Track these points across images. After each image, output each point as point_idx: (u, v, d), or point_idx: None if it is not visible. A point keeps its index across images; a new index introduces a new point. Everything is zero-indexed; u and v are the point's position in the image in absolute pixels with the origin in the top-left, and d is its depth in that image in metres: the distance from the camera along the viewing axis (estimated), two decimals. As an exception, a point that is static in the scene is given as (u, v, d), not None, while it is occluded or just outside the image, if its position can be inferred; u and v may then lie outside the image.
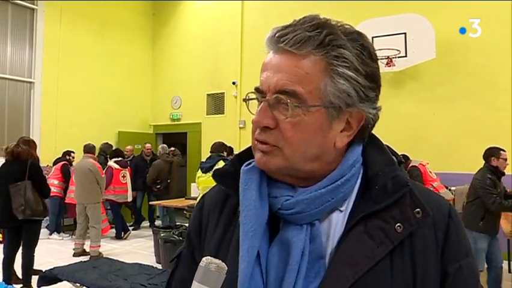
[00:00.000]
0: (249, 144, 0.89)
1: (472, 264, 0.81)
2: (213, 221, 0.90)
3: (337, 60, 0.75)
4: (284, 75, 0.76)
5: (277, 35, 0.77)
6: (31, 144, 5.26)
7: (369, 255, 0.73)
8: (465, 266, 0.79)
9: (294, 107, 0.75)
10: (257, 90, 0.81)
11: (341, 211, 0.80)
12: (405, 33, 7.16)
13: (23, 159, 5.00)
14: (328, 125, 0.77)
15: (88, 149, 7.23)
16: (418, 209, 0.76)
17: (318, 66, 0.75)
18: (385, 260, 0.74)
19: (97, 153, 9.45)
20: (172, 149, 9.37)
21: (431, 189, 6.66)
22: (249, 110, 0.84)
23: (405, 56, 7.17)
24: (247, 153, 0.90)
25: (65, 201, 8.16)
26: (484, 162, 5.09)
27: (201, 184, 5.64)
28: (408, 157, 6.74)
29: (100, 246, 7.00)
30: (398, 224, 0.75)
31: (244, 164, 0.87)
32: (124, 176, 8.59)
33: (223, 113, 10.16)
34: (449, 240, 0.78)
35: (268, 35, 0.80)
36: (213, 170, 5.47)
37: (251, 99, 0.84)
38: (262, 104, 0.79)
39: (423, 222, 0.76)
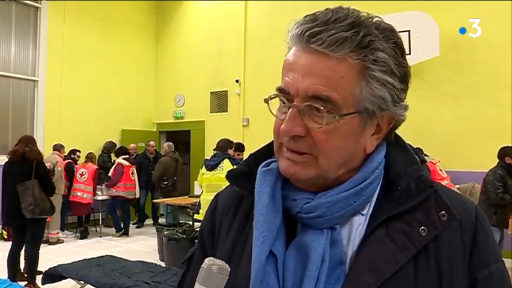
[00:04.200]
0: (264, 144, 0.87)
1: (502, 270, 0.77)
2: (226, 222, 0.88)
3: (375, 65, 0.70)
4: (317, 79, 0.70)
5: (307, 33, 0.70)
6: (34, 142, 5.28)
7: (392, 260, 0.70)
8: (495, 271, 0.75)
9: (329, 116, 0.70)
10: (281, 91, 0.74)
11: (363, 214, 0.76)
12: (409, 31, 7.12)
13: (30, 158, 5.02)
14: (360, 130, 0.74)
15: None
16: (444, 212, 0.72)
17: (354, 70, 0.70)
18: (408, 265, 0.70)
19: (100, 152, 9.52)
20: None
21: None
22: (271, 111, 0.78)
23: (409, 54, 7.13)
24: (264, 154, 0.87)
25: (70, 199, 8.19)
26: (498, 160, 5.42)
27: (205, 181, 5.64)
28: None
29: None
30: (422, 227, 0.71)
31: (262, 165, 0.83)
32: (132, 173, 8.70)
33: (226, 111, 10.15)
34: (477, 244, 0.74)
35: (293, 31, 0.73)
36: (218, 168, 5.49)
37: (273, 98, 0.78)
38: (291, 110, 0.72)
39: (449, 225, 0.72)
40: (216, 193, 0.98)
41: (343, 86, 0.70)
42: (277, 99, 0.77)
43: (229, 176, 0.88)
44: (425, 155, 6.73)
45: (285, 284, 0.73)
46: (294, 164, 0.74)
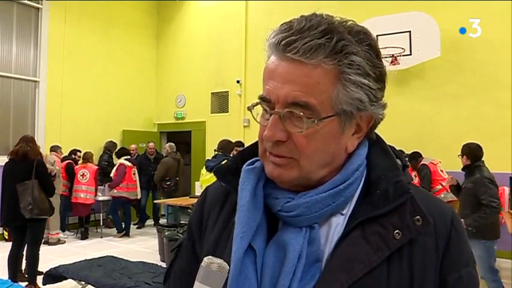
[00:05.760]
0: (253, 141, 0.89)
1: (472, 274, 0.79)
2: (213, 215, 0.90)
3: (350, 68, 0.73)
4: (295, 86, 0.73)
5: (283, 42, 0.73)
6: (35, 142, 5.28)
7: (365, 261, 0.72)
8: (465, 275, 0.78)
9: (308, 121, 0.73)
10: (263, 99, 0.78)
11: (342, 214, 0.79)
12: (410, 32, 7.14)
13: (31, 158, 5.02)
14: (340, 132, 0.77)
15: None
16: (418, 217, 0.75)
17: (329, 74, 0.73)
18: (382, 266, 0.73)
19: (101, 152, 9.53)
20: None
21: (440, 187, 6.46)
22: (254, 118, 0.82)
23: (410, 54, 7.14)
24: (251, 152, 0.89)
25: (72, 200, 8.20)
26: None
27: (204, 183, 5.63)
28: (420, 154, 6.74)
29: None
30: (397, 231, 0.74)
31: (247, 163, 0.86)
32: (134, 174, 8.74)
33: (227, 112, 10.16)
34: (450, 249, 0.77)
35: (270, 39, 0.76)
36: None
37: (255, 105, 0.81)
38: (272, 117, 0.75)
39: (424, 230, 0.75)
40: None
41: (320, 91, 0.73)
42: (260, 106, 0.80)
43: (217, 171, 0.91)
44: (419, 155, 6.72)
45: (263, 277, 0.76)
46: (278, 167, 0.78)
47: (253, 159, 0.87)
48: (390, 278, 0.73)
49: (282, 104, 0.74)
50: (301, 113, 0.73)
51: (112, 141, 9.66)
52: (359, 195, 0.80)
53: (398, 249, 0.74)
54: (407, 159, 5.71)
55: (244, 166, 0.86)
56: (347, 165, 0.80)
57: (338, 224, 0.78)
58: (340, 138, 0.77)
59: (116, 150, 9.33)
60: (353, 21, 0.77)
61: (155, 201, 9.02)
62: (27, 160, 5.00)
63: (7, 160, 5.20)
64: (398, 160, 0.84)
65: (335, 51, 0.72)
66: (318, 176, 0.78)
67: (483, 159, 4.90)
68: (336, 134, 0.76)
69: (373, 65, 0.76)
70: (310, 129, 0.74)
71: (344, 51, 0.72)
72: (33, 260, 5.10)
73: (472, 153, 4.89)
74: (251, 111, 0.82)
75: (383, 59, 0.81)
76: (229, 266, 0.76)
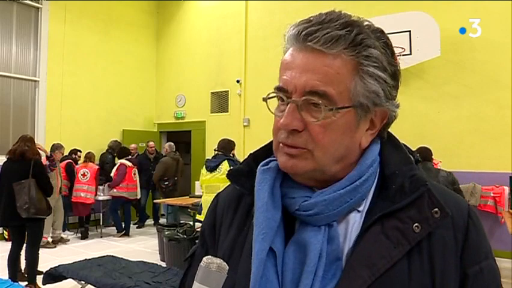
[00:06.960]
0: (263, 144, 0.89)
1: (493, 267, 0.79)
2: (226, 220, 0.90)
3: (368, 60, 0.74)
4: (314, 75, 0.73)
5: (303, 32, 0.74)
6: (33, 142, 5.27)
7: (386, 256, 0.72)
8: (486, 268, 0.77)
9: (326, 109, 0.73)
10: (279, 89, 0.78)
11: (359, 211, 0.79)
12: (409, 31, 7.13)
13: (28, 158, 5.02)
14: (356, 125, 0.77)
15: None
16: (436, 209, 0.75)
17: (348, 66, 0.74)
18: (402, 260, 0.73)
19: (101, 151, 9.52)
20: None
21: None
22: (269, 109, 0.82)
23: (410, 54, 7.14)
24: (263, 153, 0.89)
25: (72, 200, 8.19)
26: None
27: (205, 183, 5.60)
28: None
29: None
30: (416, 224, 0.74)
31: (262, 163, 0.86)
32: (135, 174, 8.76)
33: (227, 111, 10.16)
34: (469, 242, 0.77)
35: (290, 32, 0.77)
36: (218, 170, 5.46)
37: (271, 97, 0.81)
38: (289, 105, 0.76)
39: (442, 222, 0.75)
40: (215, 194, 1.00)
41: (338, 82, 0.74)
42: (276, 99, 0.81)
43: (230, 174, 0.91)
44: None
45: (284, 279, 0.76)
46: (291, 158, 0.77)
47: (268, 159, 0.86)
48: (412, 272, 0.72)
49: (299, 93, 0.75)
50: (320, 101, 0.73)
51: (117, 140, 9.67)
52: (374, 191, 0.80)
53: (418, 243, 0.74)
54: (418, 155, 5.82)
55: (259, 167, 0.85)
56: (361, 161, 0.80)
57: (356, 221, 0.78)
58: (355, 131, 0.77)
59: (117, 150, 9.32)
60: (368, 21, 0.79)
61: (155, 201, 9.02)
62: (24, 160, 5.00)
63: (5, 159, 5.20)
64: (410, 155, 0.84)
65: (354, 43, 0.73)
66: (332, 171, 0.78)
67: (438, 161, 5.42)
68: (351, 126, 0.77)
69: (388, 61, 0.77)
70: (327, 119, 0.74)
71: (362, 43, 0.74)
72: (33, 259, 5.10)
73: (420, 155, 5.15)
74: (266, 102, 0.82)
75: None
76: (250, 268, 0.75)
